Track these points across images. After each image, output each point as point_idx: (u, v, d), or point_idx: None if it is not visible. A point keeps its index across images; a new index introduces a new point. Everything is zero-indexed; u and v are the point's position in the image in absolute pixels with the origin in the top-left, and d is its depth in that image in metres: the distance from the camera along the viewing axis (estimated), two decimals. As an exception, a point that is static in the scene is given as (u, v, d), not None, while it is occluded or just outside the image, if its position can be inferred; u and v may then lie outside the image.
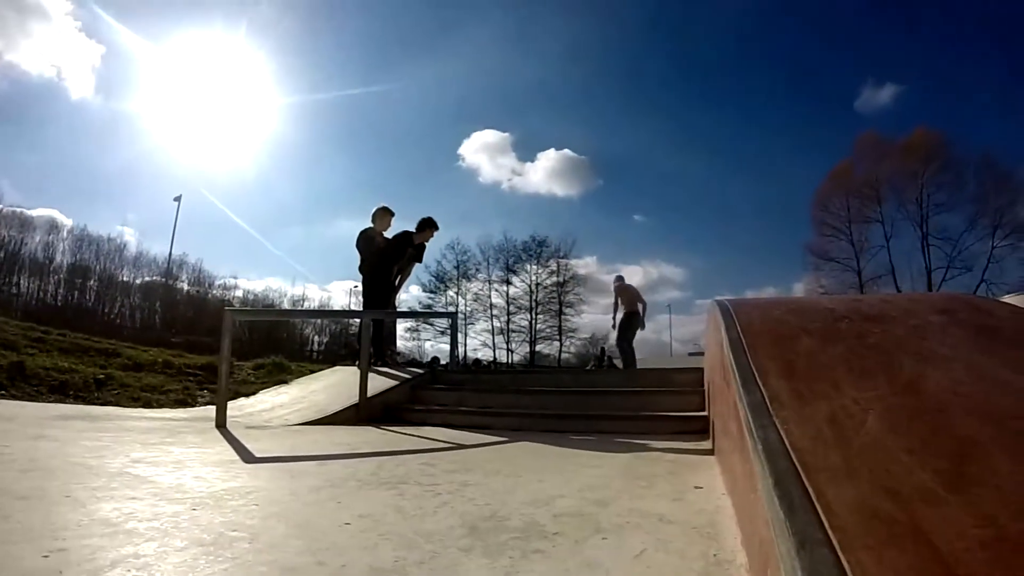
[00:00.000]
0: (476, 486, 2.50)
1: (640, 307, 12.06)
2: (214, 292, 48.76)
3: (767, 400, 1.63)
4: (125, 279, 43.96)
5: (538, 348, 50.44)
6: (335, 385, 6.74)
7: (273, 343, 43.89)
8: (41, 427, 3.84)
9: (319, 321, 54.04)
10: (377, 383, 6.12)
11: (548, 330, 50.54)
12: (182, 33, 58.56)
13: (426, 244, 8.62)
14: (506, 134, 61.04)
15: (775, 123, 58.16)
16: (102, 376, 6.79)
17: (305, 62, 72.96)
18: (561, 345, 50.06)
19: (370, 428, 5.01)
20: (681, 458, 3.31)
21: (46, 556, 1.46)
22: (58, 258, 40.96)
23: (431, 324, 48.01)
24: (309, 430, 4.70)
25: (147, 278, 45.06)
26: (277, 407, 6.10)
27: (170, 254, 44.31)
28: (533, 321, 50.31)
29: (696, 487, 2.46)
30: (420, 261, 8.84)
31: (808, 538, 0.95)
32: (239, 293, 50.56)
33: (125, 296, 43.62)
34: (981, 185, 38.77)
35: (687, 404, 5.09)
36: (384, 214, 8.27)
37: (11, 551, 1.48)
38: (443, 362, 18.33)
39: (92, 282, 42.01)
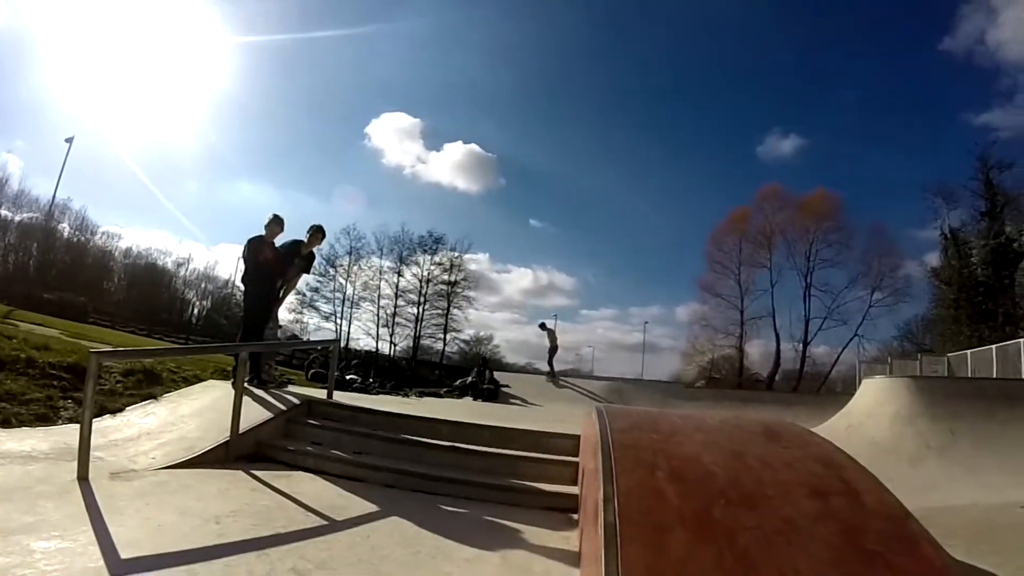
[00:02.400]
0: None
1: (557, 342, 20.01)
2: (96, 240, 45.76)
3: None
4: (3, 214, 40.56)
5: (423, 343, 50.41)
6: (205, 411, 6.50)
7: (152, 308, 41.59)
8: None
9: (203, 286, 51.84)
10: (251, 414, 6.02)
11: (434, 327, 50.59)
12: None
13: (315, 252, 8.65)
14: (417, 120, 61.23)
15: (681, 157, 61.03)
16: (-41, 380, 6.30)
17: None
18: (445, 343, 50.26)
19: (240, 475, 4.96)
20: (550, 566, 3.53)
21: None
22: (-73, 181, 37.16)
23: (316, 308, 47.05)
24: (177, 482, 4.53)
25: (27, 215, 41.81)
26: (144, 435, 5.84)
27: (53, 197, 41.36)
28: (420, 313, 50.22)
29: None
30: (308, 272, 8.85)
31: None
32: (122, 244, 47.59)
33: (1, 235, 40.13)
34: (868, 249, 42.53)
35: (560, 476, 5.35)
36: (275, 223, 8.13)
37: None
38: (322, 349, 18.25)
39: (-34, 215, 38.50)
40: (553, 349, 19.76)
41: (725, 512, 2.45)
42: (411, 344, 49.90)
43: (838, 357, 42.77)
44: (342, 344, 38.22)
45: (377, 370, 30.36)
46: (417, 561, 3.42)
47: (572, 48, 64.75)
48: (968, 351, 22.08)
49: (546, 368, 19.73)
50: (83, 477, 4.33)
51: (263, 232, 8.06)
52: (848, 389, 21.47)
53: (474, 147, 60.58)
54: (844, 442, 4.17)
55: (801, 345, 43.53)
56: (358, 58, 65.15)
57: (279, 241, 8.28)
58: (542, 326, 20.51)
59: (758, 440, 3.42)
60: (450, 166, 69.49)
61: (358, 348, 47.04)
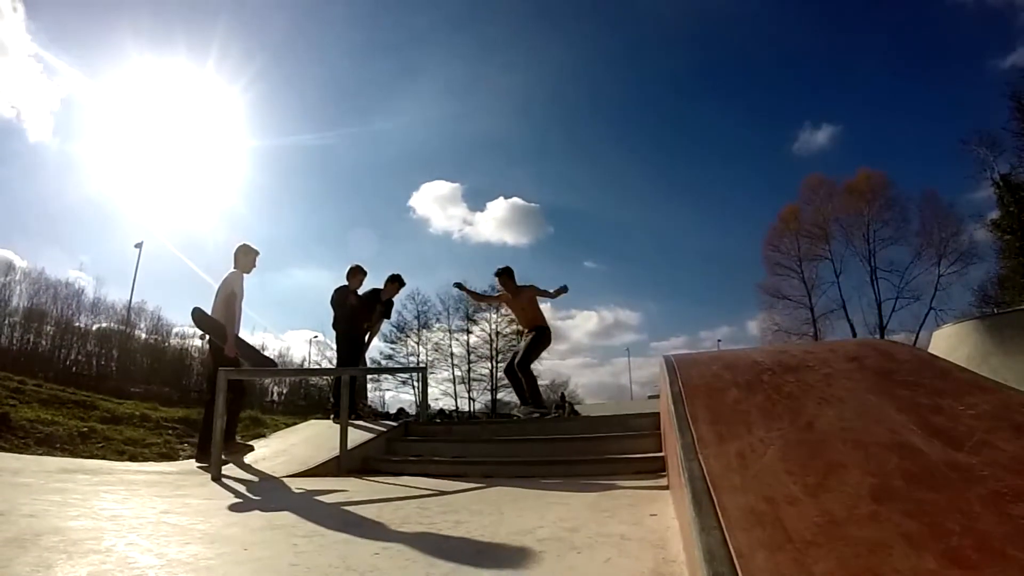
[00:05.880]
0: (468, 523, 2.96)
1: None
2: (172, 341, 47.92)
3: (695, 441, 2.18)
4: (80, 325, 43.04)
5: (499, 396, 50.51)
6: (312, 438, 7.07)
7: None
8: (61, 481, 4.16)
9: (280, 372, 53.49)
10: (354, 436, 6.47)
11: (511, 376, 50.75)
12: (144, 77, 58.25)
13: (393, 300, 9.16)
14: (456, 184, 62.39)
15: (720, 172, 60.71)
16: (85, 429, 7.04)
17: (262, 108, 73.23)
18: (522, 392, 50.27)
19: (353, 479, 5.37)
20: (640, 493, 3.81)
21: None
22: (14, 301, 39.60)
23: (392, 375, 48.01)
24: (298, 481, 5.06)
25: (103, 324, 44.26)
26: (260, 460, 6.39)
27: (130, 301, 43.57)
28: (494, 369, 50.55)
29: (651, 515, 2.97)
30: (388, 317, 9.37)
31: (707, 526, 1.50)
32: (197, 342, 49.63)
33: (82, 343, 42.59)
34: (924, 219, 40.95)
35: (645, 446, 5.48)
36: (356, 272, 8.75)
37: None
38: (407, 410, 18.71)
39: (48, 327, 40.97)
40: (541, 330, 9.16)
41: (771, 377, 2.86)
42: (489, 398, 50.22)
43: (917, 335, 40.99)
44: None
45: (459, 419, 30.72)
46: (523, 505, 3.77)
47: (589, 80, 65.56)
48: (1043, 294, 21.24)
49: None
50: (216, 478, 4.87)
51: (347, 282, 8.71)
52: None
53: (516, 200, 61.37)
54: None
55: (878, 332, 42.00)
56: (389, 138, 67.17)
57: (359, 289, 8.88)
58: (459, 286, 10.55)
59: (801, 346, 3.74)
60: (496, 224, 70.03)
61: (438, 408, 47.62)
